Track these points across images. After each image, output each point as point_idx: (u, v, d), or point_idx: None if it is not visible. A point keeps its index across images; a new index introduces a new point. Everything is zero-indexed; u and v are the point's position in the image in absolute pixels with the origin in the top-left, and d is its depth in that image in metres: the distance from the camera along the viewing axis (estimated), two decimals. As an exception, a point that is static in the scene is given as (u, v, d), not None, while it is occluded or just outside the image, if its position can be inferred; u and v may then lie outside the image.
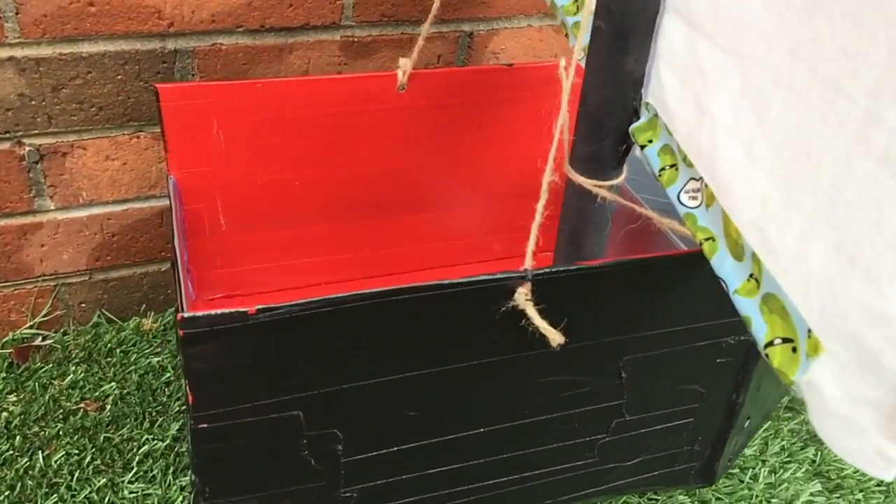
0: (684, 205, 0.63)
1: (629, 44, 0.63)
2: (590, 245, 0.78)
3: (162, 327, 1.07)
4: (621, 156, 0.71)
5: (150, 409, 0.96)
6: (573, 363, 0.63)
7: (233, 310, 0.52)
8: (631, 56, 0.64)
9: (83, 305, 1.04)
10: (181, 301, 0.64)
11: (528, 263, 0.59)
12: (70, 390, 0.97)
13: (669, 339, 0.67)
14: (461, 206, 0.98)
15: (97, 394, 0.97)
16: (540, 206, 0.58)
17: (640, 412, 0.71)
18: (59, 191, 0.94)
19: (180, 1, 0.85)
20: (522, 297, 0.58)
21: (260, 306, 0.53)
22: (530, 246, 0.58)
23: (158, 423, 0.95)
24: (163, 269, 1.05)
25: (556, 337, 0.56)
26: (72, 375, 0.98)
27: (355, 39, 0.95)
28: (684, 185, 0.63)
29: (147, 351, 1.03)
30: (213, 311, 0.52)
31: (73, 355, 1.02)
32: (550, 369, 0.65)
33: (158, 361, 1.02)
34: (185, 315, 0.51)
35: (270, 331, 0.54)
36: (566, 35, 0.84)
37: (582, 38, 0.79)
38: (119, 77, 0.88)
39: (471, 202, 0.98)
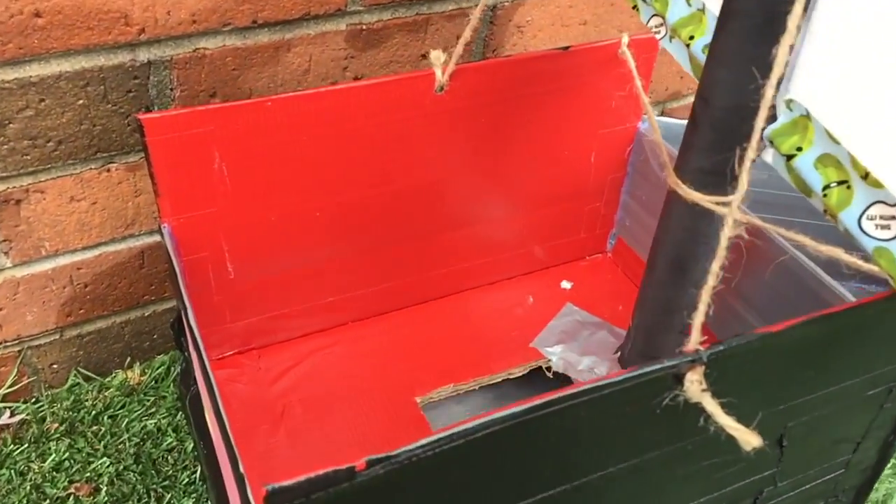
0: (869, 234, 0.49)
1: (779, 28, 0.48)
2: (700, 270, 0.64)
3: (152, 380, 0.91)
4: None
5: (153, 485, 0.82)
6: (734, 443, 0.50)
7: (335, 469, 0.37)
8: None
9: (55, 367, 0.87)
10: (216, 402, 0.49)
11: (696, 340, 0.44)
12: (54, 473, 0.82)
13: (838, 395, 0.54)
14: (503, 215, 0.83)
15: (88, 473, 0.82)
16: (715, 266, 0.44)
17: (793, 475, 0.59)
18: (16, 245, 0.75)
19: (152, 1, 0.66)
20: (696, 386, 0.44)
21: (370, 458, 0.38)
22: (698, 319, 0.44)
23: (166, 500, 0.80)
24: (146, 314, 0.89)
25: (750, 439, 0.43)
26: (54, 455, 0.83)
27: (364, 27, 0.78)
28: (866, 210, 0.49)
29: (139, 412, 0.88)
30: (310, 476, 0.37)
31: (52, 429, 0.85)
32: (707, 454, 0.51)
33: (155, 423, 0.87)
34: (273, 488, 0.36)
35: (383, 484, 0.39)
36: (634, 7, 0.69)
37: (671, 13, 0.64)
38: (80, 102, 0.69)
39: (513, 209, 0.83)
